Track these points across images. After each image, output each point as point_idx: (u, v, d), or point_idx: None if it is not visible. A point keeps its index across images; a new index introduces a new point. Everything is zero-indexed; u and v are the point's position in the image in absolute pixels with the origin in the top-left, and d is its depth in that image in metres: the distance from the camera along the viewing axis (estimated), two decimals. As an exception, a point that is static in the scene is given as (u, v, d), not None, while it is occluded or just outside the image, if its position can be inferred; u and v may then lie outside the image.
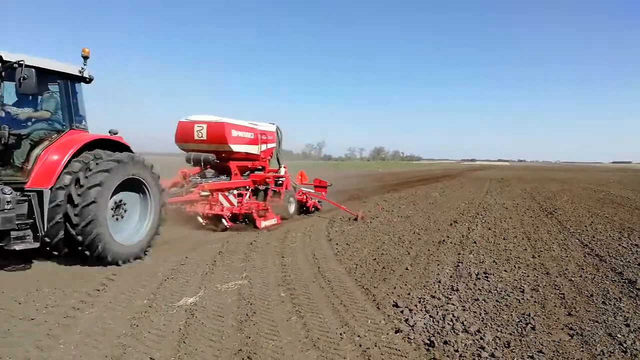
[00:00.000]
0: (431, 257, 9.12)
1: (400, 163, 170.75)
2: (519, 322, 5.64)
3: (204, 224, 12.19)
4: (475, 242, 10.70)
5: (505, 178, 48.93)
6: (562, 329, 5.51)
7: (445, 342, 4.95)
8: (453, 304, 6.19)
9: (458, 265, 8.44)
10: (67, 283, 6.92)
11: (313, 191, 16.49)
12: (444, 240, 10.89)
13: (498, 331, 5.34)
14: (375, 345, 4.89)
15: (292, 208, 14.94)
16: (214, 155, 13.60)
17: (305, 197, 15.89)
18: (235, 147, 13.77)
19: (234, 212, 12.35)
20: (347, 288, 7.04)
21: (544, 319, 5.80)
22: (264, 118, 15.93)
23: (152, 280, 7.25)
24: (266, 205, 13.24)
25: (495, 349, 4.84)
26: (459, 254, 9.47)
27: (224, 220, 11.98)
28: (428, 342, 4.98)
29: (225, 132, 13.40)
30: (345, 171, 63.98)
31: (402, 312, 5.92)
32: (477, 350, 4.80)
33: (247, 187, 14.14)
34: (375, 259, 8.90)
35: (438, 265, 8.50)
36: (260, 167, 15.49)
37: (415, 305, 6.16)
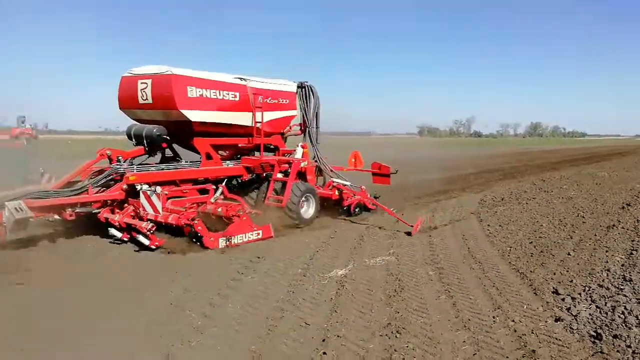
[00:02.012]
0: (598, 243, 8.24)
1: (561, 140, 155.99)
2: None
3: (123, 238, 7.99)
4: (654, 229, 9.38)
5: (695, 156, 41.80)
6: None
7: (615, 336, 4.47)
8: (625, 296, 5.54)
9: (632, 254, 7.50)
10: (231, 251, 7.70)
11: (349, 184, 10.79)
12: (614, 225, 9.74)
13: (683, 330, 4.66)
14: (532, 332, 4.61)
15: (309, 210, 9.97)
16: (161, 127, 9.14)
17: (336, 192, 10.76)
18: (195, 115, 8.92)
19: (162, 221, 7.81)
20: (500, 270, 6.72)
21: None
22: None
23: (305, 251, 7.71)
24: (239, 210, 8.20)
25: (679, 349, 4.24)
26: (633, 241, 8.40)
27: (141, 238, 7.61)
28: (594, 334, 4.55)
29: (172, 89, 8.61)
30: (498, 149, 60.49)
31: (563, 299, 5.48)
32: (655, 348, 4.25)
33: (226, 179, 9.74)
34: (531, 242, 8.33)
35: (607, 252, 7.65)
36: (254, 147, 10.40)
37: (579, 294, 5.65)
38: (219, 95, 9.35)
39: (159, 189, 8.04)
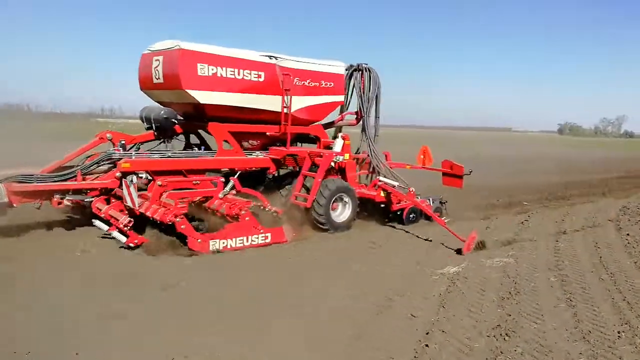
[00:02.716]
0: None
1: None
2: None
3: (110, 231, 6.93)
4: None
5: None
6: None
7: None
8: None
9: None
10: (348, 235, 7.96)
11: (396, 184, 8.93)
12: None
13: None
14: (664, 354, 4.17)
15: (344, 212, 8.58)
16: (170, 110, 8.24)
17: (382, 193, 9.02)
18: (205, 96, 7.68)
19: (149, 216, 6.88)
20: (635, 284, 6.09)
21: None
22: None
23: (421, 245, 7.73)
24: (241, 208, 7.18)
25: None
26: None
27: (116, 234, 6.85)
28: None
29: (178, 66, 7.44)
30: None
31: None
32: None
33: (239, 171, 8.16)
34: (679, 257, 7.40)
35: None
36: (282, 137, 8.76)
37: None
38: (238, 74, 7.92)
39: (135, 178, 7.06)
